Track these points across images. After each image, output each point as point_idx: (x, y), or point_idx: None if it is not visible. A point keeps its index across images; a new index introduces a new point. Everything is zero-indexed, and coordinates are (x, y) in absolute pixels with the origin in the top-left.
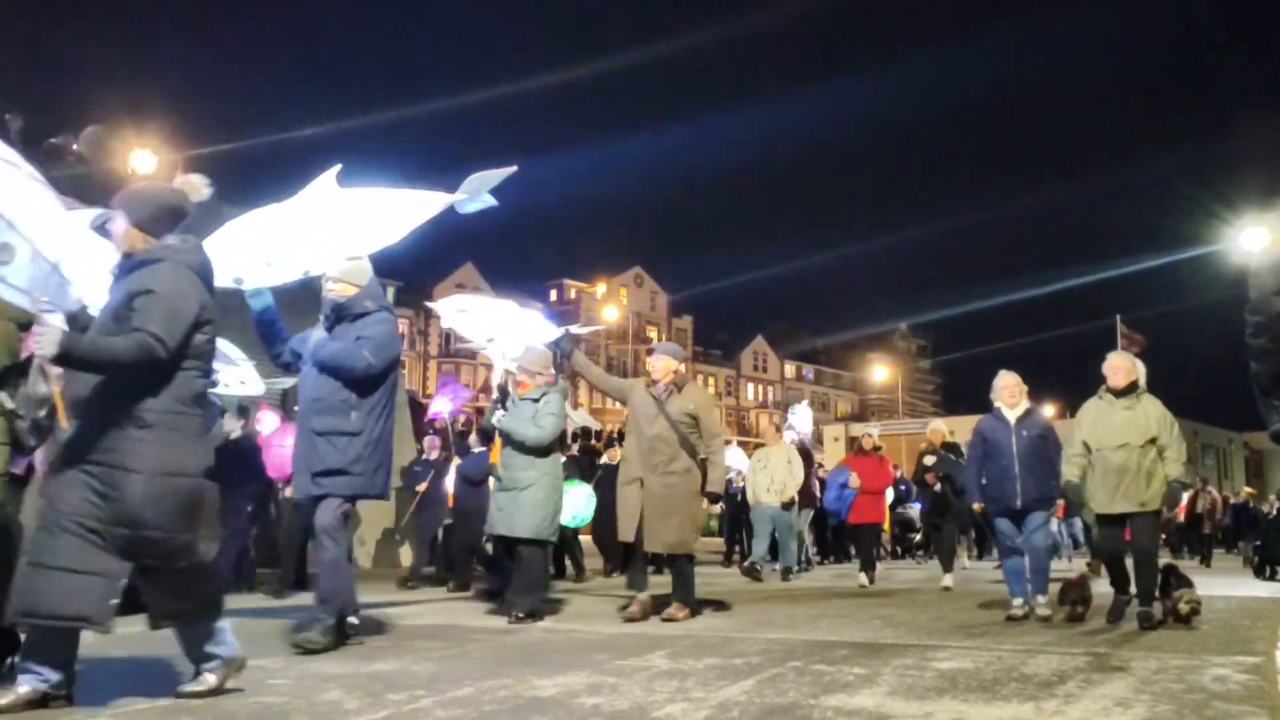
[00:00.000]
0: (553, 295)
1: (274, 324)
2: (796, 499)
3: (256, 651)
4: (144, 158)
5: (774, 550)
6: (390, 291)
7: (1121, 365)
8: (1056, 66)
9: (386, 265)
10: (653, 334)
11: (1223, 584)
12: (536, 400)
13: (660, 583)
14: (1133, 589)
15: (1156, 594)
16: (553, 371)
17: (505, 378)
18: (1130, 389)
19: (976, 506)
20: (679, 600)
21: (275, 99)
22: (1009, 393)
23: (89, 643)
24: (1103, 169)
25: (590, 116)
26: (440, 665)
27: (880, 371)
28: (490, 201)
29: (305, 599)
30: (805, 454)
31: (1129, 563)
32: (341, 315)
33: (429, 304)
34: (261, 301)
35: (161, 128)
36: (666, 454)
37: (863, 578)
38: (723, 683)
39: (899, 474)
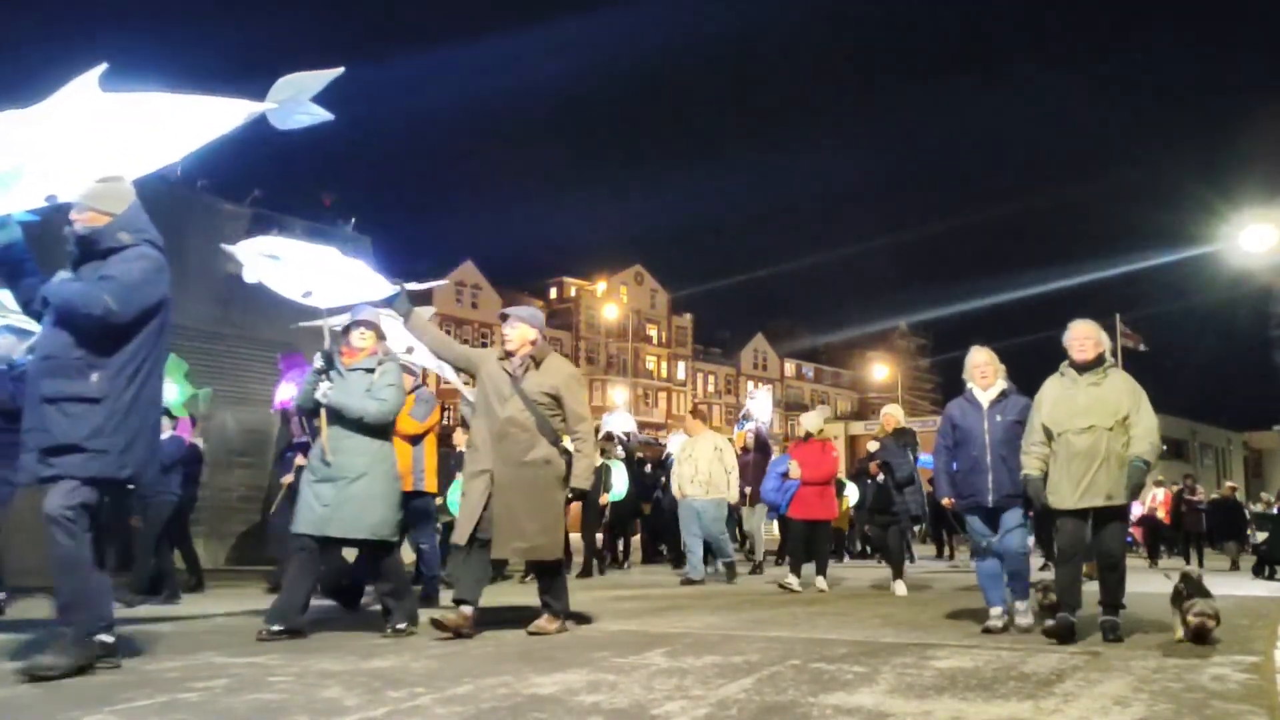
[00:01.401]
0: (553, 293)
1: (21, 263)
2: (748, 493)
3: (253, 649)
4: None
5: (768, 549)
6: None
7: (1088, 335)
8: (1056, 68)
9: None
10: (653, 332)
11: (1221, 583)
12: (371, 370)
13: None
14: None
15: (1122, 604)
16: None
17: (329, 342)
18: (1097, 362)
19: (946, 502)
20: (550, 613)
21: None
22: (980, 371)
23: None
24: (1104, 168)
25: (591, 117)
26: (439, 662)
27: (880, 370)
28: (320, 114)
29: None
30: (762, 445)
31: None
32: (89, 250)
33: (225, 247)
34: (6, 235)
35: None
36: (522, 441)
37: (820, 581)
38: (722, 681)
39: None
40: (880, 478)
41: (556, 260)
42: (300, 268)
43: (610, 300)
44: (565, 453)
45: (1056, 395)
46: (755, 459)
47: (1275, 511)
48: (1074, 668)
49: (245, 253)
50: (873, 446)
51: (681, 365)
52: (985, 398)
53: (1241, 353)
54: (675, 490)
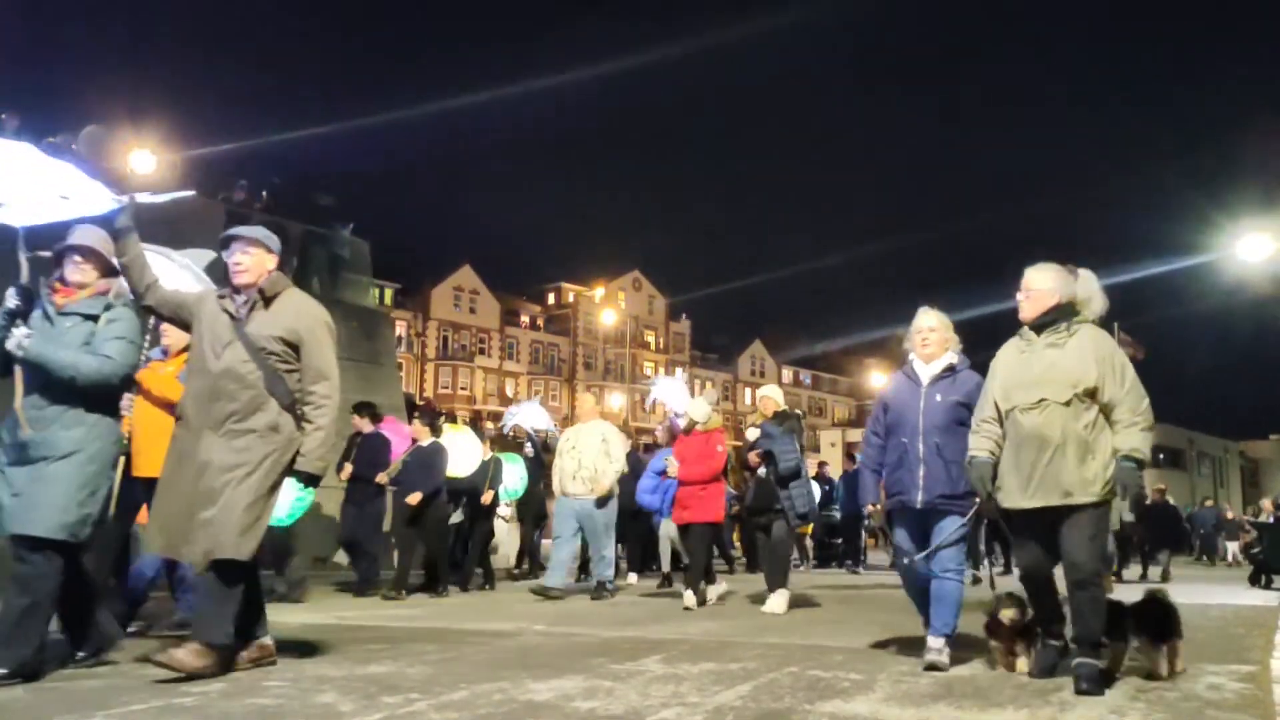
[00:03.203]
0: (551, 298)
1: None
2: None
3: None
4: (143, 158)
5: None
6: (389, 293)
7: (1041, 285)
8: (1055, 75)
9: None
10: (650, 338)
11: (1219, 592)
12: (94, 317)
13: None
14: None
15: (1108, 638)
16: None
17: (27, 274)
18: (1056, 317)
19: (870, 507)
20: (199, 642)
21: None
22: (922, 339)
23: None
24: (1101, 177)
25: (590, 120)
26: (435, 668)
27: (878, 377)
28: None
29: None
30: (675, 439)
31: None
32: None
33: None
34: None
35: (160, 128)
36: (242, 401)
37: (688, 596)
38: (718, 687)
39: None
40: (762, 471)
41: (554, 266)
42: None
43: (608, 306)
44: (298, 419)
45: (1009, 363)
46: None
47: (1273, 520)
48: (1070, 676)
49: None
50: (751, 434)
51: (679, 371)
52: (926, 372)
53: (1238, 362)
54: (555, 487)
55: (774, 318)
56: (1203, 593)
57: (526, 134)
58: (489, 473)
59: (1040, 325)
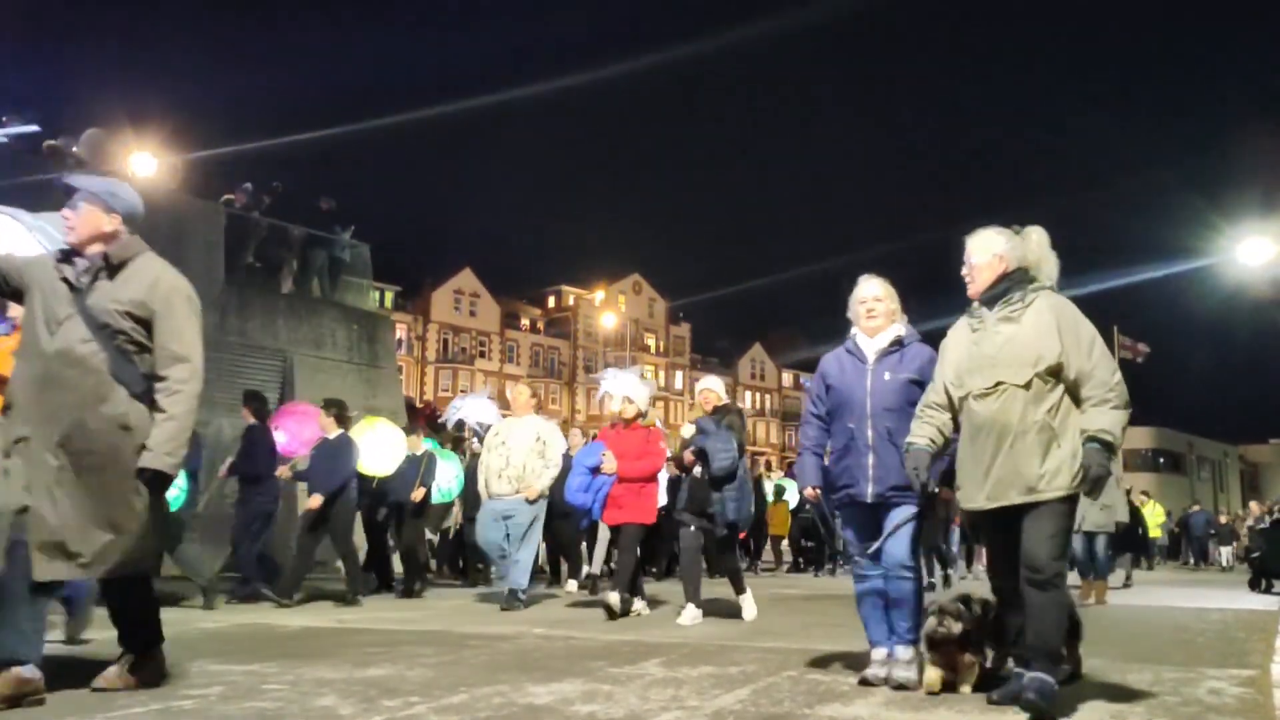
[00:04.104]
0: (551, 301)
1: None
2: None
3: (249, 657)
4: (144, 161)
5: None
6: (389, 296)
7: (984, 254)
8: (1055, 77)
9: (385, 270)
10: (650, 341)
11: (1218, 596)
12: None
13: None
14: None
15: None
16: None
17: None
18: (1007, 287)
19: (809, 493)
20: (129, 665)
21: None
22: (868, 309)
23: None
24: (1100, 180)
25: (591, 123)
26: (435, 671)
27: None
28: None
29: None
30: None
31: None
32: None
33: None
34: None
35: (161, 131)
36: (83, 390)
37: (612, 598)
38: (718, 691)
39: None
40: (697, 470)
41: (555, 269)
42: None
43: (608, 309)
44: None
45: (960, 343)
46: None
47: (1270, 523)
48: (1069, 679)
49: None
50: (687, 431)
51: (679, 375)
52: (871, 347)
53: (1238, 366)
54: (480, 487)
55: (774, 321)
56: (1202, 597)
57: (527, 137)
58: (420, 469)
59: (991, 299)
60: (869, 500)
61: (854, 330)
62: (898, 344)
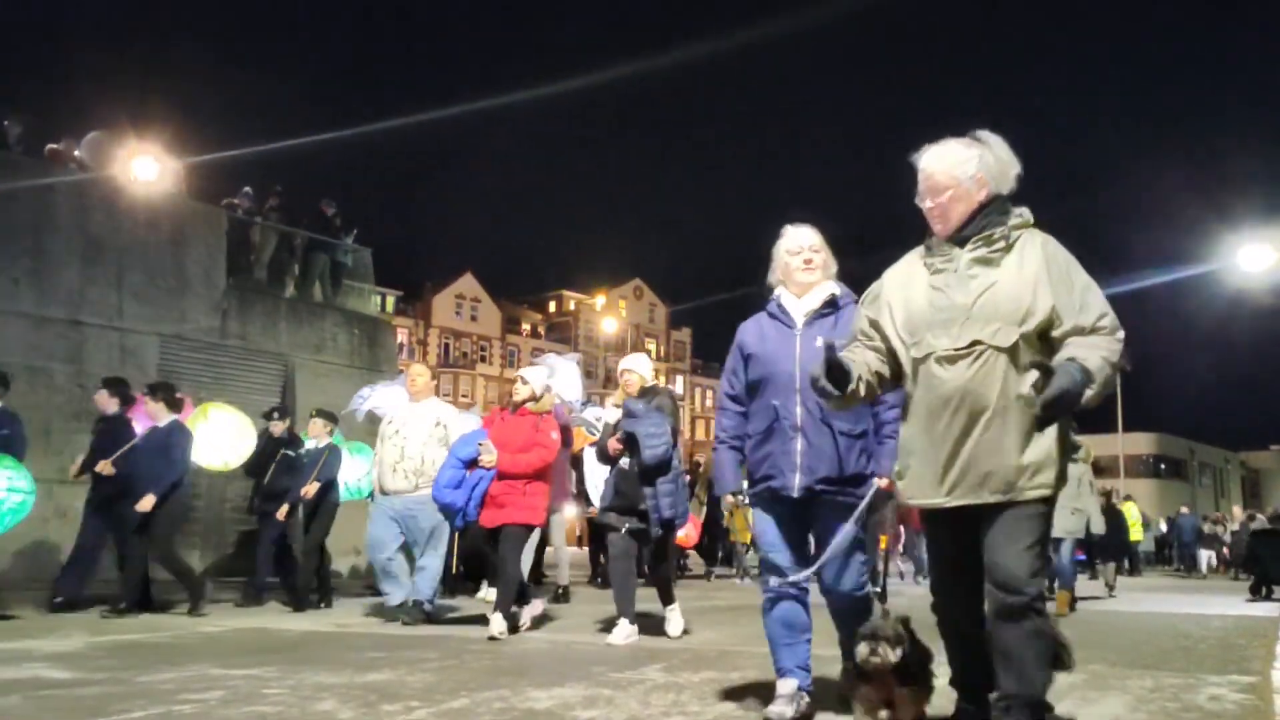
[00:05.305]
0: (552, 306)
1: None
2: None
3: (249, 661)
4: (146, 165)
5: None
6: (391, 301)
7: (959, 172)
8: (1055, 82)
9: (386, 274)
10: (651, 346)
11: (1219, 602)
12: None
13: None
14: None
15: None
16: None
17: None
18: (986, 222)
19: (728, 500)
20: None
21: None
22: (805, 261)
23: (79, 654)
24: (1101, 185)
25: (592, 127)
26: (436, 676)
27: None
28: None
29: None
30: (563, 434)
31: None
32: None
33: None
34: None
35: (164, 134)
36: None
37: (495, 623)
38: (719, 697)
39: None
40: (625, 461)
41: (556, 274)
42: None
43: (609, 314)
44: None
45: (918, 287)
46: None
47: (1266, 530)
48: (1071, 686)
49: None
50: (610, 415)
51: (680, 379)
52: (800, 309)
53: (1239, 372)
54: (373, 482)
55: None
56: (1203, 603)
57: (528, 140)
58: (319, 463)
59: (960, 236)
60: (795, 495)
61: (777, 291)
62: (831, 305)
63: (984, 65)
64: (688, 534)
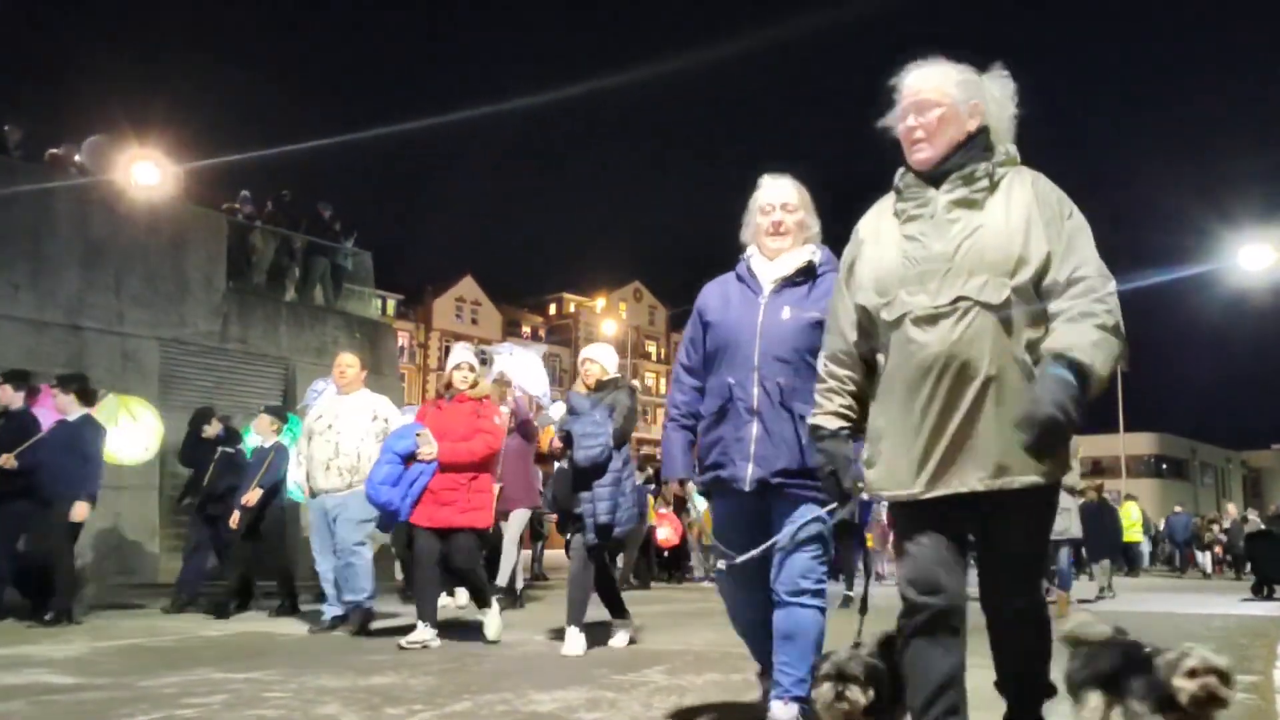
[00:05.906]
0: (552, 308)
1: None
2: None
3: (251, 665)
4: (146, 169)
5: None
6: (391, 304)
7: (949, 91)
8: (1054, 81)
9: (387, 278)
10: (651, 348)
11: (1221, 602)
12: None
13: None
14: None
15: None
16: None
17: None
18: (967, 157)
19: (675, 487)
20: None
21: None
22: (777, 222)
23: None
24: (1101, 184)
25: (592, 130)
26: (439, 679)
27: None
28: None
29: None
30: (525, 427)
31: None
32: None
33: None
34: None
35: (164, 138)
36: None
37: (423, 632)
38: (722, 699)
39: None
40: (566, 461)
41: (556, 276)
42: None
43: (609, 316)
44: None
45: (889, 237)
46: (514, 446)
47: (1264, 528)
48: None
49: None
50: (556, 410)
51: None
52: (769, 273)
53: (1240, 371)
54: (300, 481)
55: None
56: (1204, 603)
57: (528, 144)
58: (265, 463)
59: (939, 173)
60: (747, 488)
61: (749, 251)
62: (808, 272)
63: (984, 65)
64: (668, 536)
